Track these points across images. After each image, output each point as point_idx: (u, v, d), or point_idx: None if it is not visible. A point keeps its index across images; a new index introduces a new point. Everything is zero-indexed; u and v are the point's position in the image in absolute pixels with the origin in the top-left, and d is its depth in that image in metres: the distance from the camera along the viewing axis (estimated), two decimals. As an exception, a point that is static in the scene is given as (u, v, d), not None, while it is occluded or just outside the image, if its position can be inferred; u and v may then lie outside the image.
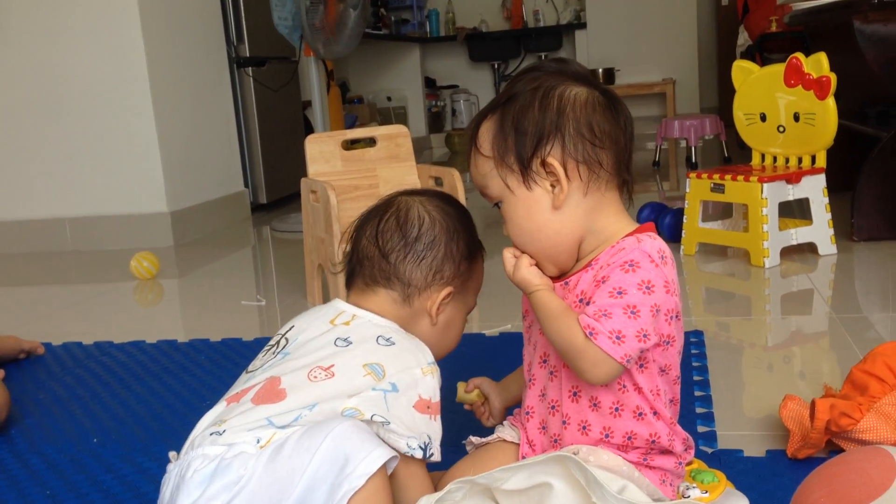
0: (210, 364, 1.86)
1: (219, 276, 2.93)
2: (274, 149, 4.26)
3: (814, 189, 2.39)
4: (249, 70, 4.09)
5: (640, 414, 0.98)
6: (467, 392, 1.20)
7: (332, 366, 0.98)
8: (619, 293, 0.91)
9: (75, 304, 2.64)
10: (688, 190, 2.55)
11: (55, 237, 3.55)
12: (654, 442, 0.99)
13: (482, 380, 1.20)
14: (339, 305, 1.07)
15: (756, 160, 2.57)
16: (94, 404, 1.67)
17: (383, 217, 1.08)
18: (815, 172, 2.38)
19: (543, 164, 0.96)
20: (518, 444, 1.07)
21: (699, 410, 1.43)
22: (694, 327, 1.90)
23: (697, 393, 1.50)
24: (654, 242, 0.95)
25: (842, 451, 1.22)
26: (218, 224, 3.78)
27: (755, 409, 1.45)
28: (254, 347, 1.96)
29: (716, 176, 2.45)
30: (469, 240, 1.11)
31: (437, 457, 0.99)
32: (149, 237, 3.44)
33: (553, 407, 1.01)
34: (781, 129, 2.45)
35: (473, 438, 1.13)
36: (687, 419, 1.38)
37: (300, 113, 4.67)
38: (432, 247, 1.07)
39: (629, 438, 0.99)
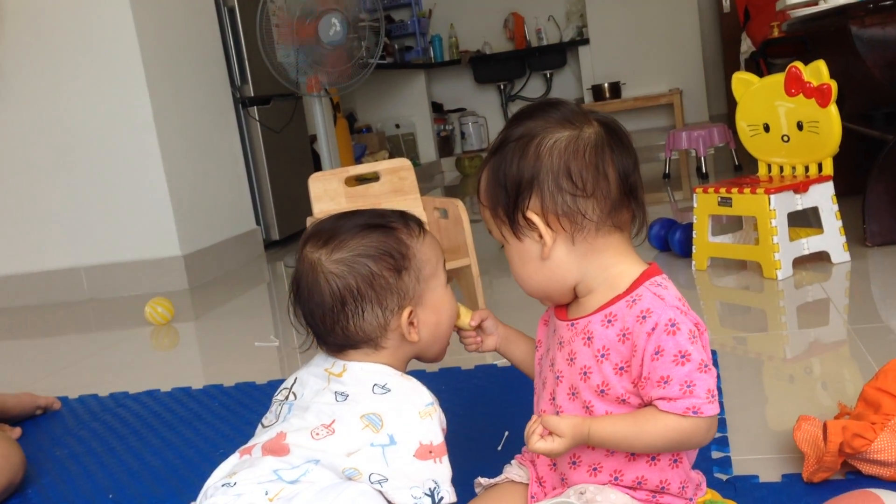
0: (224, 410, 1.86)
1: (234, 317, 2.94)
2: (284, 184, 4.28)
3: (822, 197, 2.37)
4: (255, 113, 4.11)
5: (654, 459, 0.97)
6: (472, 322, 1.14)
7: (333, 422, 0.99)
8: (684, 357, 0.90)
9: (92, 354, 2.65)
10: (695, 205, 2.54)
11: (72, 287, 3.58)
12: (663, 488, 0.98)
13: (488, 313, 1.15)
14: (331, 358, 1.07)
15: (762, 171, 2.56)
16: (109, 458, 1.68)
17: (300, 297, 1.05)
18: (822, 180, 2.36)
19: (525, 218, 0.95)
20: (527, 484, 1.06)
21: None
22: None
23: (711, 416, 1.48)
24: (669, 291, 0.95)
25: (858, 472, 1.20)
26: (232, 263, 3.80)
27: (771, 430, 1.43)
28: (267, 391, 1.96)
29: (722, 190, 2.44)
30: (385, 255, 1.03)
31: (448, 498, 0.98)
32: (164, 281, 3.46)
33: None
34: (786, 138, 2.44)
35: (482, 480, 1.12)
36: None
37: (308, 147, 4.70)
38: (361, 296, 1.02)
39: (639, 483, 0.98)
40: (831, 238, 2.40)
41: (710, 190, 2.48)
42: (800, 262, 2.40)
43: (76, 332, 3.11)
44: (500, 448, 1.46)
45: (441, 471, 0.99)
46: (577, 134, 0.95)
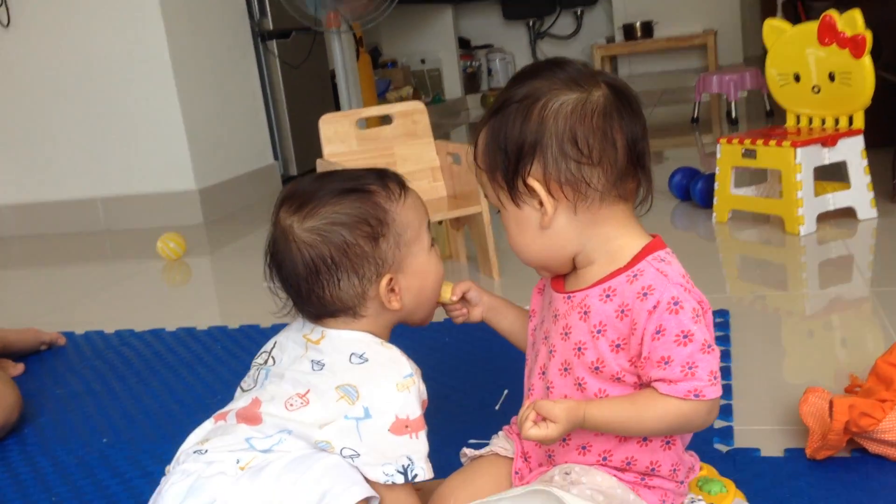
0: (225, 354, 1.84)
1: (247, 254, 2.91)
2: (303, 119, 4.22)
3: (851, 151, 2.28)
4: (274, 47, 4.03)
5: (646, 440, 0.93)
6: (453, 297, 1.08)
7: (308, 392, 0.95)
8: (686, 337, 0.86)
9: (103, 289, 2.65)
10: (718, 156, 2.46)
11: (89, 217, 3.57)
12: (653, 469, 0.94)
13: (469, 284, 1.09)
14: (311, 323, 1.03)
15: (791, 122, 2.46)
16: (107, 399, 1.67)
17: (275, 261, 1.00)
18: (852, 134, 2.27)
19: (526, 184, 0.89)
20: (512, 459, 1.03)
21: (717, 402, 1.37)
22: (723, 303, 1.82)
23: (717, 382, 1.44)
24: (673, 267, 0.90)
25: (864, 450, 1.16)
26: (248, 199, 3.77)
27: (779, 397, 1.38)
28: (271, 335, 1.94)
29: (747, 141, 2.35)
30: (361, 222, 0.97)
31: (423, 475, 0.94)
32: (179, 215, 3.44)
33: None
34: (816, 89, 2.34)
35: (467, 450, 1.09)
36: (703, 413, 1.32)
37: (329, 81, 4.62)
38: (336, 265, 0.97)
39: (628, 463, 0.94)
40: (858, 193, 2.32)
41: (735, 141, 2.40)
42: (824, 218, 2.32)
43: (91, 262, 3.12)
44: (497, 407, 1.43)
45: (416, 447, 0.95)
46: (584, 97, 0.89)
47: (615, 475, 0.93)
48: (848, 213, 2.36)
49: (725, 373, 1.47)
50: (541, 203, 0.90)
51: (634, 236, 0.93)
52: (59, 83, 3.47)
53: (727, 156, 2.43)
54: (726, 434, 1.26)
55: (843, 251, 2.18)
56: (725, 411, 1.33)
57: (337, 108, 4.36)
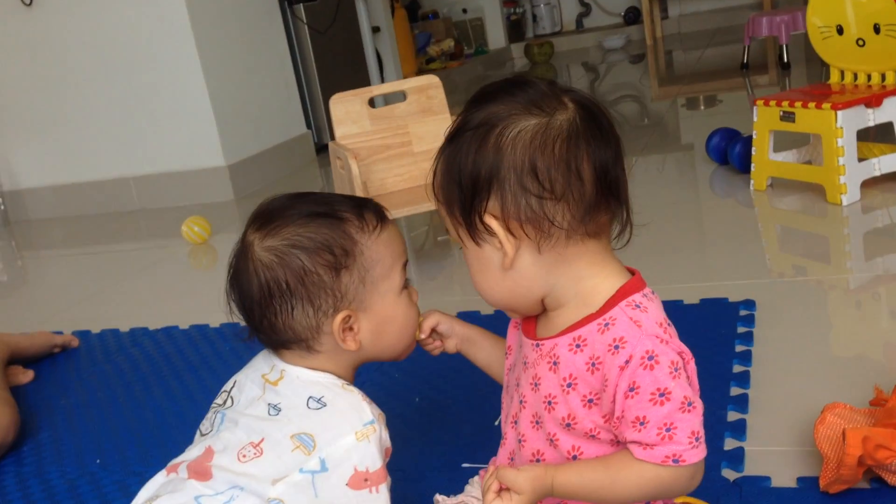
0: (232, 356, 1.80)
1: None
2: (336, 83, 4.11)
3: (899, 111, 2.10)
4: (301, 12, 3.93)
5: None
6: (420, 334, 1.01)
7: (262, 441, 0.89)
8: (663, 395, 0.77)
9: (129, 276, 2.64)
10: (755, 119, 2.30)
11: (123, 197, 3.56)
12: None
13: (438, 319, 1.01)
14: (272, 359, 0.96)
15: (835, 78, 2.29)
16: (110, 412, 1.64)
17: (233, 283, 0.93)
18: (899, 92, 2.09)
19: (482, 222, 0.80)
20: None
21: (731, 417, 1.27)
22: (752, 290, 1.70)
23: (734, 391, 1.33)
24: (649, 315, 0.80)
25: (883, 481, 1.05)
26: (282, 171, 3.71)
27: (801, 407, 1.26)
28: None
29: (785, 103, 2.19)
30: (323, 249, 0.90)
31: None
32: (209, 192, 3.41)
33: None
34: (861, 42, 2.16)
35: (439, 497, 1.01)
36: (713, 431, 1.22)
37: (361, 41, 4.51)
38: (290, 292, 0.90)
39: None
40: (907, 157, 2.15)
41: (772, 102, 2.23)
42: (870, 184, 2.16)
43: (122, 243, 3.14)
44: (497, 423, 1.35)
45: (377, 502, 0.88)
46: (546, 122, 0.79)
47: None
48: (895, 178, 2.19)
49: (743, 380, 1.36)
50: (501, 243, 0.80)
51: (608, 276, 0.83)
52: (82, 62, 3.44)
53: (764, 118, 2.27)
54: (736, 458, 1.16)
55: (889, 220, 2.02)
56: (738, 430, 1.23)
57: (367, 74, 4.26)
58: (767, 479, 1.11)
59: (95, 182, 3.59)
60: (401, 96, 2.24)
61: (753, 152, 2.33)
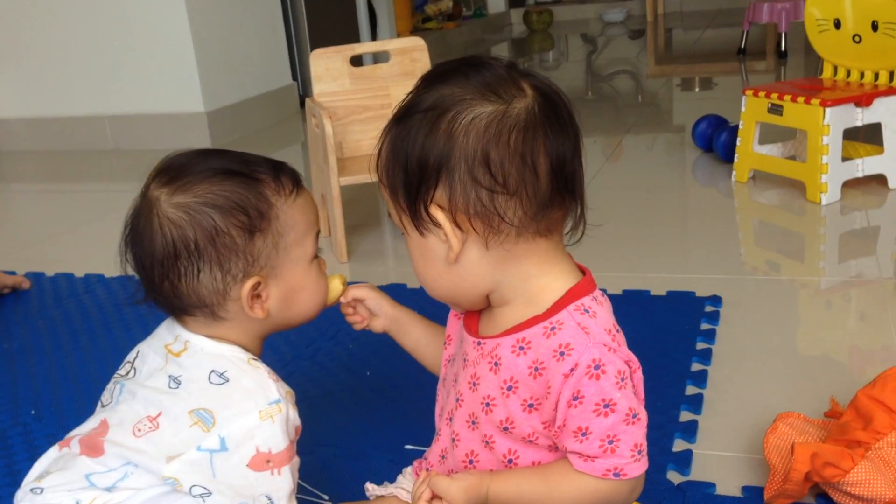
0: (185, 312, 1.75)
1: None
2: (326, 36, 4.03)
3: (888, 112, 2.06)
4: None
5: None
6: (343, 298, 0.96)
7: (160, 414, 0.84)
8: (607, 406, 0.74)
9: (95, 218, 2.57)
10: (743, 109, 2.25)
11: (97, 135, 3.48)
12: None
13: (367, 292, 0.97)
14: (176, 329, 0.90)
15: (828, 73, 2.24)
16: (52, 359, 1.60)
17: (132, 237, 0.86)
18: (891, 93, 2.05)
19: (427, 213, 0.75)
20: None
21: (683, 418, 1.23)
22: (719, 285, 1.66)
23: (690, 390, 1.30)
24: (598, 320, 0.76)
25: (828, 498, 1.02)
26: (262, 122, 3.63)
27: (755, 412, 1.23)
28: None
29: (774, 95, 2.14)
30: (237, 209, 0.84)
31: None
32: (186, 137, 3.32)
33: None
34: (857, 38, 2.11)
35: (369, 486, 0.97)
36: (663, 431, 1.19)
37: (356, -5, 4.41)
38: (199, 253, 0.83)
39: None
40: (892, 160, 2.11)
41: (762, 94, 2.18)
42: (852, 185, 2.12)
43: (92, 182, 3.06)
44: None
45: (279, 484, 0.83)
46: (502, 110, 0.73)
47: None
48: (879, 181, 2.15)
49: (700, 380, 1.33)
50: (446, 236, 0.75)
51: (558, 275, 0.78)
52: (65, -4, 3.33)
53: (752, 109, 2.22)
54: (683, 460, 1.13)
55: (867, 223, 1.99)
56: (689, 431, 1.19)
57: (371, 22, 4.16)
58: (712, 485, 1.07)
59: (70, 118, 3.50)
60: (386, 56, 2.17)
61: (738, 143, 2.28)
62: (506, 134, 0.73)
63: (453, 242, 0.75)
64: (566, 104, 0.77)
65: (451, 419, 0.84)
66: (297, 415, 0.86)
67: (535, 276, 0.78)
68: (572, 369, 0.73)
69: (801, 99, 2.06)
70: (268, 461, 0.82)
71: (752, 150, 2.25)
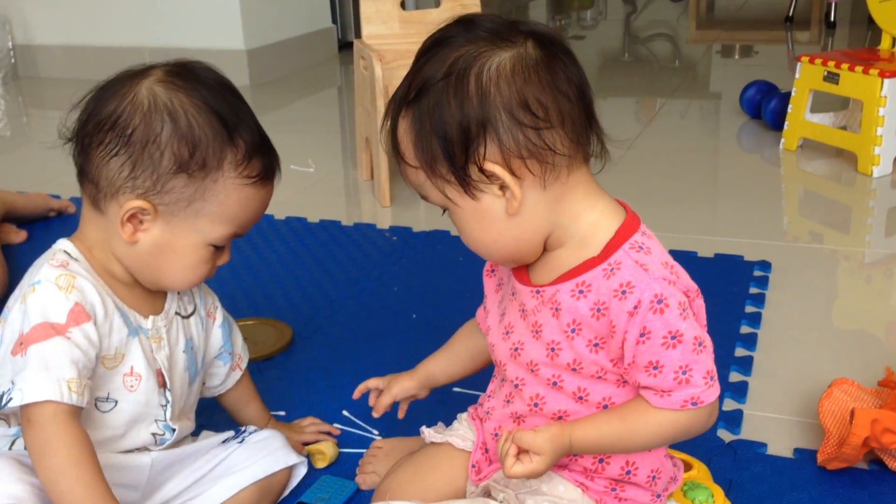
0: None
1: (287, 125, 2.79)
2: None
3: (948, 87, 2.02)
4: None
5: None
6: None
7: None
8: (674, 338, 0.74)
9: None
10: (797, 75, 2.21)
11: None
12: (628, 472, 0.82)
13: (397, 392, 1.01)
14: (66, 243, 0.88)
15: (885, 44, 2.19)
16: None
17: (100, 91, 0.84)
18: (952, 68, 2.00)
19: (482, 170, 0.74)
20: (468, 454, 0.92)
21: (733, 378, 1.23)
22: (769, 251, 1.65)
23: (739, 352, 1.30)
24: (653, 256, 0.76)
25: (883, 464, 1.02)
26: (300, 63, 3.60)
27: (805, 377, 1.23)
28: (282, 227, 1.85)
29: (831, 63, 2.10)
30: (193, 144, 0.81)
31: (18, 399, 0.77)
32: (225, 75, 3.31)
33: (519, 417, 0.85)
34: (921, 10, 2.06)
35: (425, 429, 0.98)
36: (713, 390, 1.19)
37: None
38: (126, 140, 0.80)
39: (600, 461, 0.82)
40: (948, 136, 2.07)
41: (818, 61, 2.14)
42: (905, 159, 2.09)
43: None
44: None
45: (21, 364, 0.78)
46: (521, 52, 0.74)
47: (581, 484, 0.82)
48: (933, 156, 2.12)
49: (750, 342, 1.32)
50: (502, 187, 0.75)
51: (604, 210, 0.79)
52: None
53: (807, 76, 2.18)
54: (734, 420, 1.13)
55: (919, 199, 1.97)
56: (739, 392, 1.19)
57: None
58: (764, 445, 1.08)
59: (110, 48, 3.49)
60: (434, 1, 2.14)
61: (790, 110, 2.25)
62: (533, 73, 0.74)
63: (515, 191, 0.74)
64: (565, 40, 0.78)
65: (507, 367, 0.85)
66: (75, 297, 0.81)
67: (584, 212, 0.78)
68: (636, 307, 0.73)
69: (858, 69, 2.02)
70: (21, 343, 0.79)
71: (803, 119, 2.22)
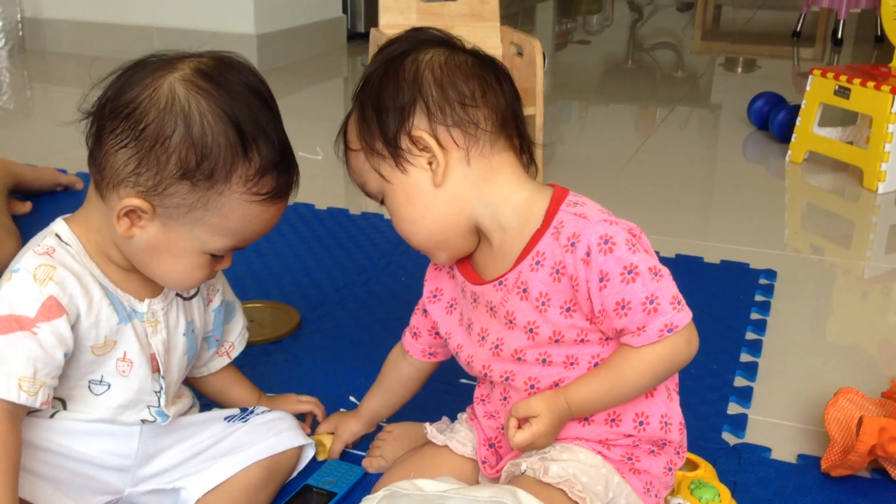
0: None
1: (295, 113, 2.79)
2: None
3: (957, 108, 2.04)
4: None
5: None
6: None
7: None
8: (631, 272, 0.77)
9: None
10: (808, 88, 2.22)
11: (143, 45, 3.45)
12: (640, 423, 0.83)
13: (347, 439, 1.07)
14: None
15: (897, 62, 2.21)
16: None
17: (125, 76, 0.81)
18: (962, 89, 2.02)
19: (411, 138, 0.81)
20: (467, 459, 0.94)
21: (738, 383, 1.24)
22: (773, 260, 1.66)
23: (744, 357, 1.31)
24: (589, 207, 0.81)
25: (886, 474, 1.03)
26: (309, 51, 3.60)
27: (810, 385, 1.24)
28: (290, 212, 1.84)
29: (843, 77, 2.12)
30: (204, 152, 0.79)
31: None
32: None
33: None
34: (934, 30, 2.08)
35: (428, 426, 0.98)
36: (718, 394, 1.20)
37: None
38: (136, 134, 0.78)
39: (612, 420, 0.83)
40: (954, 156, 2.09)
41: (830, 75, 2.16)
42: (910, 177, 2.11)
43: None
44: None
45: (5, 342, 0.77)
46: (452, 51, 0.84)
47: (598, 453, 0.83)
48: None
49: (755, 348, 1.33)
50: (430, 162, 0.81)
51: (534, 190, 0.84)
52: None
53: (818, 89, 2.20)
54: (739, 423, 1.14)
55: (923, 217, 1.98)
56: (744, 396, 1.20)
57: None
58: (767, 449, 1.08)
59: (118, 25, 3.48)
60: (453, -6, 2.15)
61: (798, 122, 2.26)
62: (462, 63, 0.83)
63: (439, 156, 0.80)
64: (502, 64, 0.87)
65: (492, 368, 0.86)
66: (51, 289, 0.80)
67: (514, 192, 0.83)
68: (588, 253, 0.77)
69: (870, 84, 2.04)
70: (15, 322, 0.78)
71: (811, 131, 2.23)
